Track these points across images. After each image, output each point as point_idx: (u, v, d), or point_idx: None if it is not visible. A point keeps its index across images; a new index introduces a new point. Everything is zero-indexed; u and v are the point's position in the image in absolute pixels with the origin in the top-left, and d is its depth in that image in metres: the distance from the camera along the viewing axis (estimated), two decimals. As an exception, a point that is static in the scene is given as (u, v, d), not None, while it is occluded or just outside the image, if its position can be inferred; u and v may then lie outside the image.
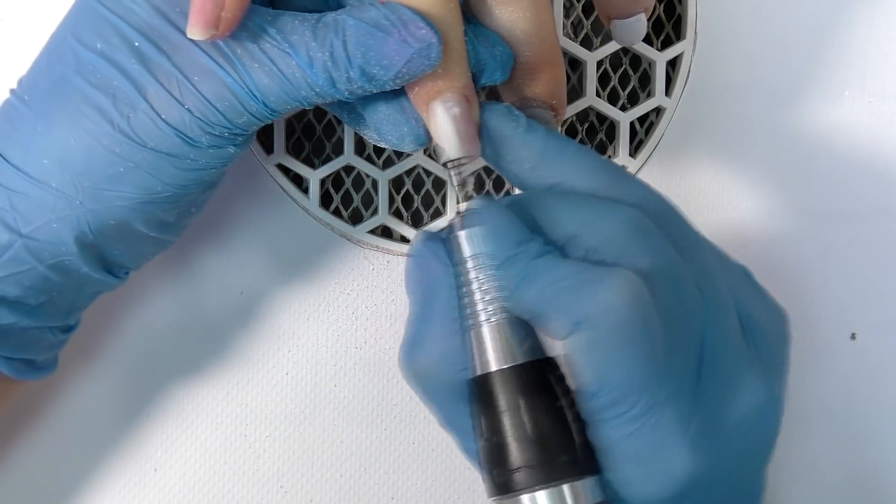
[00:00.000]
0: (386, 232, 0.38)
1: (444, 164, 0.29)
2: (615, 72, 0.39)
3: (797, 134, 0.40)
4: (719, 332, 0.28)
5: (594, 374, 0.26)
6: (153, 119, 0.28)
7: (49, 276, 0.30)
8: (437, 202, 0.38)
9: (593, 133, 0.39)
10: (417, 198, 0.38)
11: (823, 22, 0.39)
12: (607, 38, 0.38)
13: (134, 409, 0.36)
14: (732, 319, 0.29)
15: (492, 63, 0.29)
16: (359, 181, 0.38)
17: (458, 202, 0.29)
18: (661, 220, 0.28)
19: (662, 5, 0.38)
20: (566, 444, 0.26)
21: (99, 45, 0.28)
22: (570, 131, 0.39)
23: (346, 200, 0.38)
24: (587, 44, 0.38)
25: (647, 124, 0.39)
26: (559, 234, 0.27)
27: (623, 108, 0.38)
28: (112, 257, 0.31)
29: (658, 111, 0.38)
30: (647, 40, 0.38)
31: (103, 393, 0.36)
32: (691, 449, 0.27)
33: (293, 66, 0.27)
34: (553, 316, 0.26)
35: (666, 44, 0.38)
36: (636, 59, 0.39)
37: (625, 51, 0.38)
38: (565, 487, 0.26)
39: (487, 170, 0.38)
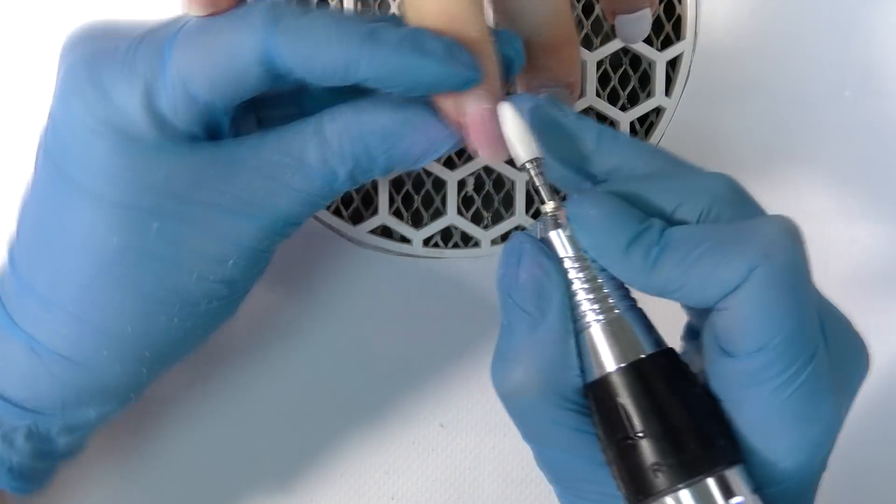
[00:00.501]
0: (386, 232, 0.38)
1: (522, 168, 0.27)
2: (615, 72, 0.39)
3: (797, 134, 0.40)
4: (828, 316, 0.28)
5: (763, 327, 0.25)
6: (201, 284, 0.29)
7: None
8: (437, 202, 0.38)
9: (593, 133, 0.39)
10: (417, 198, 0.38)
11: (823, 22, 0.39)
12: (607, 38, 0.38)
13: (133, 409, 0.36)
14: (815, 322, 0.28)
15: (515, 58, 0.29)
16: (359, 181, 0.38)
17: (543, 202, 0.27)
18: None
19: (662, 5, 0.38)
20: (710, 433, 0.25)
21: (116, 240, 0.28)
22: (570, 131, 0.39)
23: (347, 200, 0.38)
24: (587, 44, 0.38)
25: (647, 124, 0.39)
26: (663, 210, 0.27)
27: (623, 108, 0.38)
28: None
29: (658, 111, 0.38)
30: (647, 40, 0.38)
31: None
32: (837, 404, 0.26)
33: (318, 183, 0.28)
34: (711, 274, 0.25)
35: (666, 44, 0.38)
36: (636, 59, 0.39)
37: (625, 51, 0.38)
38: (710, 481, 0.25)
39: (487, 169, 0.38)
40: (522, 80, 0.31)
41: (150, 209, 0.28)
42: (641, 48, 0.37)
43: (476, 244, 0.38)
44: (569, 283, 0.26)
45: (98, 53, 0.28)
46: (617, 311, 0.26)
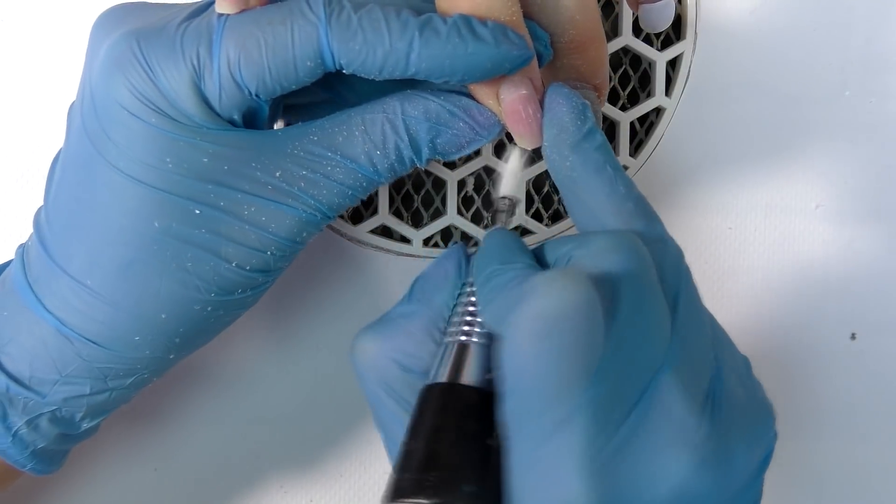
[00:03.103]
0: (386, 232, 0.38)
1: (498, 200, 0.30)
2: (615, 72, 0.39)
3: (797, 134, 0.40)
4: (677, 379, 0.25)
5: (508, 370, 0.24)
6: (240, 273, 0.29)
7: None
8: (437, 202, 0.38)
9: (593, 133, 0.39)
10: (417, 198, 0.38)
11: (823, 22, 0.39)
12: (608, 38, 0.38)
13: (134, 409, 0.36)
14: (700, 379, 0.26)
15: (543, 52, 0.29)
16: (359, 181, 0.38)
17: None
18: (666, 264, 0.27)
19: (662, 5, 0.38)
20: (477, 476, 0.25)
21: (156, 224, 0.28)
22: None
23: (346, 200, 0.38)
24: (587, 44, 0.38)
25: (647, 124, 0.39)
26: (553, 257, 0.27)
27: (623, 108, 0.38)
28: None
29: (658, 111, 0.38)
30: (647, 40, 0.38)
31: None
32: (589, 482, 0.23)
33: (359, 175, 0.28)
34: (494, 312, 0.26)
35: (666, 44, 0.38)
36: (636, 59, 0.39)
37: (625, 51, 0.38)
38: None
39: (488, 169, 0.38)
40: (548, 79, 0.31)
41: (191, 194, 0.28)
42: (641, 48, 0.37)
43: (476, 244, 0.38)
44: (463, 295, 0.28)
45: (144, 32, 0.28)
46: (470, 338, 0.27)
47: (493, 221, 0.30)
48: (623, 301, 0.25)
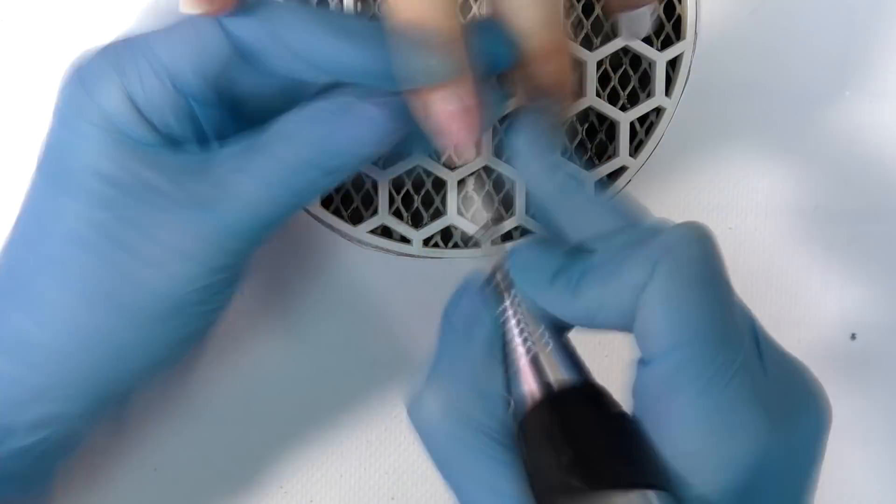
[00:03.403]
0: (386, 232, 0.38)
1: (480, 229, 0.30)
2: (615, 72, 0.39)
3: (797, 134, 0.40)
4: (763, 333, 0.27)
5: (671, 323, 0.24)
6: (143, 292, 0.28)
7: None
8: (437, 202, 0.38)
9: (593, 133, 0.39)
10: (417, 198, 0.38)
11: (823, 22, 0.39)
12: (607, 38, 0.38)
13: (134, 409, 0.36)
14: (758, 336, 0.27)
15: (500, 52, 0.29)
16: (359, 181, 0.38)
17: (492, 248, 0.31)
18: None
19: (662, 5, 0.38)
20: (619, 459, 0.25)
21: (66, 228, 0.28)
22: (571, 131, 0.39)
23: (346, 200, 0.38)
24: (587, 44, 0.38)
25: (647, 124, 0.39)
26: (608, 246, 0.27)
27: (623, 108, 0.38)
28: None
29: (658, 111, 0.38)
30: (647, 40, 0.38)
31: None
32: (768, 420, 0.24)
33: (256, 192, 0.28)
34: (623, 283, 0.25)
35: (666, 44, 0.38)
36: (636, 59, 0.39)
37: (625, 51, 0.38)
38: (634, 495, 0.24)
39: (488, 169, 0.38)
40: (512, 86, 0.31)
41: (128, 199, 0.28)
42: (641, 48, 0.37)
43: (476, 244, 0.38)
44: (504, 318, 0.28)
45: (84, 64, 0.29)
46: (546, 346, 0.27)
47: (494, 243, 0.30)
48: (721, 271, 0.26)
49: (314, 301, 0.38)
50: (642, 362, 0.25)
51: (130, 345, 0.28)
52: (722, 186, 0.40)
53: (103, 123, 0.28)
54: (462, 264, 0.38)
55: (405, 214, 0.38)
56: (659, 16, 0.38)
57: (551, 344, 0.27)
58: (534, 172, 0.29)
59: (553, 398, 0.26)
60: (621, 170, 0.38)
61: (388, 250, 0.37)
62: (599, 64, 0.38)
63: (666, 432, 0.25)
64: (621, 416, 0.26)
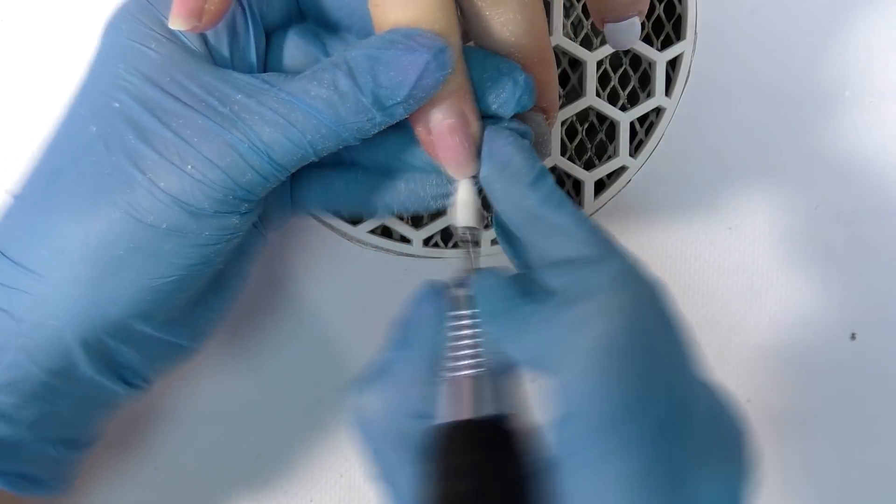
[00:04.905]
0: (386, 232, 0.38)
1: (458, 231, 0.29)
2: (615, 72, 0.39)
3: (797, 134, 0.40)
4: (688, 401, 0.25)
5: (573, 392, 0.24)
6: (152, 191, 0.27)
7: (50, 383, 0.28)
8: (437, 202, 0.38)
9: (593, 133, 0.39)
10: (417, 198, 0.38)
11: (823, 22, 0.39)
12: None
13: (134, 409, 0.36)
14: (699, 397, 0.26)
15: (504, 89, 0.28)
16: (359, 181, 0.38)
17: (469, 263, 0.30)
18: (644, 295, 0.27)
19: (662, 5, 0.38)
20: (511, 499, 0.25)
21: (93, 128, 0.27)
22: (570, 131, 0.39)
23: (346, 200, 0.38)
24: (587, 44, 0.38)
25: (647, 124, 0.39)
26: (555, 285, 0.27)
27: (623, 108, 0.38)
28: (123, 361, 0.30)
29: (658, 111, 0.38)
30: (648, 40, 0.38)
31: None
32: (663, 497, 0.24)
33: (295, 112, 0.26)
34: (547, 338, 0.25)
35: (666, 44, 0.38)
36: (636, 59, 0.39)
37: (625, 51, 0.38)
38: None
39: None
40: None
41: (166, 100, 0.27)
42: (641, 48, 0.37)
43: (476, 244, 0.38)
44: (454, 335, 0.28)
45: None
46: (481, 372, 0.27)
47: (474, 255, 0.30)
48: (655, 322, 0.26)
49: (315, 300, 0.38)
50: (552, 419, 0.25)
51: (137, 255, 0.27)
52: (722, 186, 0.40)
53: (157, 27, 0.28)
54: (462, 264, 0.38)
55: (405, 214, 0.38)
56: (659, 16, 0.38)
57: (488, 372, 0.27)
58: (502, 199, 0.29)
59: (458, 427, 0.26)
60: (621, 170, 0.38)
61: (388, 250, 0.37)
62: (599, 64, 0.38)
63: (557, 493, 0.25)
64: (524, 461, 0.26)
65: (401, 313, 0.29)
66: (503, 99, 0.28)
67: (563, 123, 0.37)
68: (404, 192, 0.31)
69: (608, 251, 0.28)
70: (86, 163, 0.27)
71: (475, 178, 0.29)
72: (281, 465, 0.38)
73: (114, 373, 0.30)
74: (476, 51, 0.29)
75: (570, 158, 0.38)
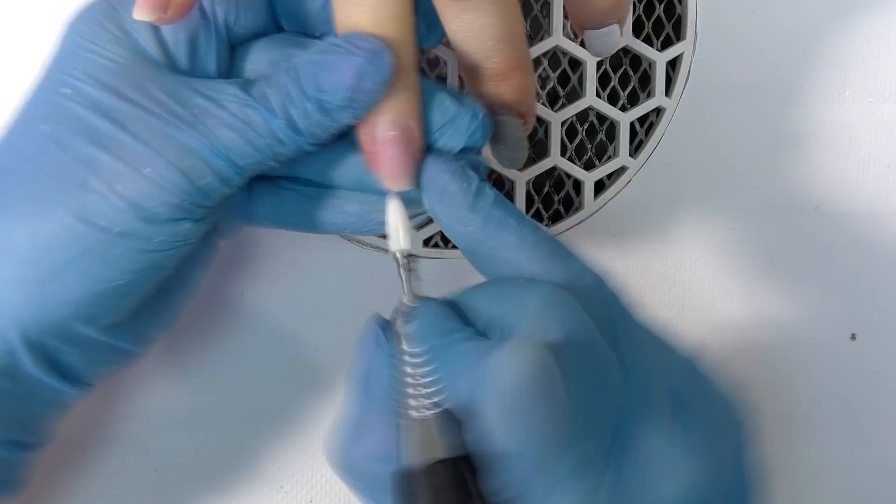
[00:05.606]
0: (386, 232, 0.38)
1: (395, 256, 0.29)
2: (615, 72, 0.39)
3: (797, 134, 0.40)
4: (641, 413, 0.26)
5: (498, 445, 0.24)
6: (107, 194, 0.26)
7: None
8: (437, 202, 0.38)
9: (593, 133, 0.39)
10: (417, 198, 0.38)
11: (823, 22, 0.39)
12: (607, 39, 0.38)
13: (134, 409, 0.36)
14: (661, 404, 0.26)
15: (459, 126, 0.28)
16: (359, 181, 0.38)
17: (404, 292, 0.29)
18: (594, 300, 0.27)
19: (662, 5, 0.38)
20: None
21: (47, 128, 0.27)
22: (570, 131, 0.39)
23: (346, 200, 0.38)
24: (587, 44, 0.38)
25: (647, 124, 0.39)
26: (483, 322, 0.27)
27: (623, 109, 0.38)
28: (65, 362, 0.29)
29: (658, 111, 0.38)
30: (648, 40, 0.38)
31: (103, 393, 0.36)
32: None
33: (252, 115, 0.27)
34: (462, 396, 0.25)
35: (666, 44, 0.38)
36: (636, 60, 0.39)
37: (625, 51, 0.38)
38: None
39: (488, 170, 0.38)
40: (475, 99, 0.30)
41: (124, 106, 0.27)
42: (641, 48, 0.37)
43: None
44: (400, 375, 0.27)
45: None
46: (425, 412, 0.27)
47: (410, 282, 0.29)
48: (572, 359, 0.25)
49: (314, 301, 0.38)
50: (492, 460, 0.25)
51: (85, 258, 0.27)
52: (722, 186, 0.40)
53: (118, 31, 0.27)
54: (462, 264, 0.38)
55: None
56: (659, 16, 0.38)
57: (443, 410, 0.26)
58: (447, 227, 0.29)
59: (416, 471, 0.26)
60: (621, 170, 0.38)
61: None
62: (599, 64, 0.38)
63: None
64: (485, 501, 0.26)
65: (354, 358, 0.28)
66: (454, 131, 0.28)
67: (563, 124, 0.37)
68: (355, 213, 0.30)
69: (547, 268, 0.28)
70: (37, 163, 0.27)
71: (413, 203, 0.28)
72: (281, 465, 0.38)
73: (58, 373, 0.29)
74: (440, 86, 0.29)
75: (570, 159, 0.38)
